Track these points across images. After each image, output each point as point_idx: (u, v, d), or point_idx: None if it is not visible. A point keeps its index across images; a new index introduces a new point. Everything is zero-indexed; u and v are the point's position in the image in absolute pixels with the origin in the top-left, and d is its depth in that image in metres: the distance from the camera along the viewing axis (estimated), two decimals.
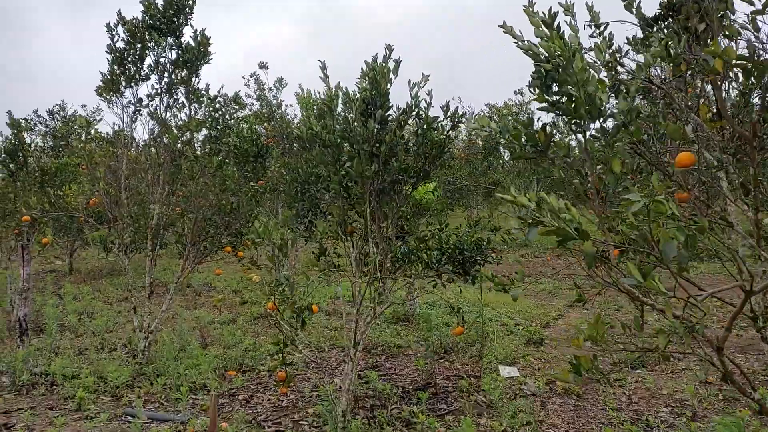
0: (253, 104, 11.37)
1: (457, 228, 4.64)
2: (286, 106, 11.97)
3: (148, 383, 5.60)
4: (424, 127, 4.44)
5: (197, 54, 6.32)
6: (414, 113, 4.52)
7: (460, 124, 4.32)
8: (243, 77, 11.70)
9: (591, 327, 2.46)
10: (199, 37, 6.35)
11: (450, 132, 4.36)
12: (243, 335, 7.41)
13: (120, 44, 6.41)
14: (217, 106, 6.41)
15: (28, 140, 8.63)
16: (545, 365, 6.04)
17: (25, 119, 8.71)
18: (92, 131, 6.43)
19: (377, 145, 4.23)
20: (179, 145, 6.48)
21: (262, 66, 11.07)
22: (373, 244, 4.28)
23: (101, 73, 6.48)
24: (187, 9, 6.52)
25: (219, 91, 6.59)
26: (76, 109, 18.03)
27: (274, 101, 10.94)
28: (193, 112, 6.52)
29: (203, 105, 6.48)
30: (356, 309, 4.29)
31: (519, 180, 15.54)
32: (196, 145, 6.52)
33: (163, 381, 5.54)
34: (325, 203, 4.94)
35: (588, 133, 2.61)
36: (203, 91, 6.55)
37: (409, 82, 4.55)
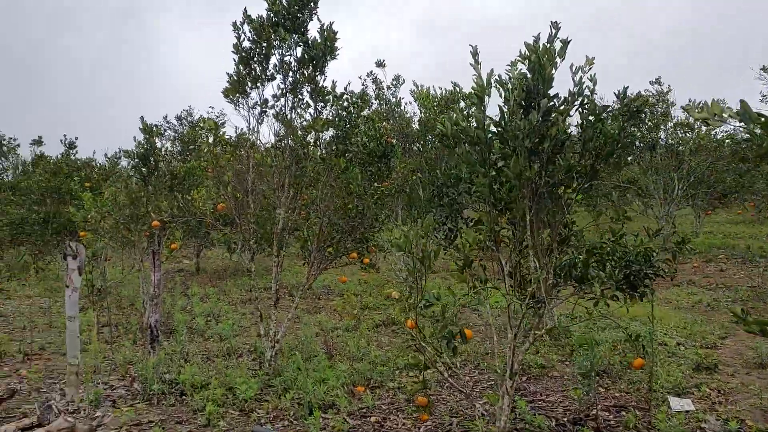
0: (371, 103, 11.07)
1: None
2: (406, 103, 11.71)
3: (276, 397, 5.33)
4: (590, 118, 3.76)
5: (324, 49, 5.98)
6: (577, 102, 3.84)
7: (640, 114, 3.58)
8: (359, 77, 11.48)
9: None
10: (325, 32, 6.01)
11: (626, 124, 3.63)
12: (368, 345, 7.03)
13: (246, 43, 6.23)
14: (345, 104, 6.03)
15: (158, 145, 8.83)
16: (726, 397, 5.08)
17: (156, 125, 8.85)
18: (219, 134, 6.29)
19: (538, 140, 3.60)
20: (304, 147, 6.19)
21: (380, 64, 10.74)
22: (534, 257, 3.64)
23: (228, 74, 6.34)
24: (311, 3, 6.21)
25: (346, 89, 6.22)
26: (202, 114, 18.80)
27: (393, 99, 10.58)
28: (318, 112, 6.21)
29: (329, 104, 6.14)
30: (513, 334, 3.67)
31: (657, 177, 14.10)
32: (321, 145, 6.18)
33: (291, 395, 5.24)
34: (469, 209, 4.37)
35: None
36: (329, 90, 6.21)
37: (571, 66, 3.88)
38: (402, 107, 10.56)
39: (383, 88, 10.68)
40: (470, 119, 4.00)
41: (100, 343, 7.39)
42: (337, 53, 6.13)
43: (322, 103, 6.15)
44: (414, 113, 10.66)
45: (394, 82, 10.53)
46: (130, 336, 8.03)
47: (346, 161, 5.67)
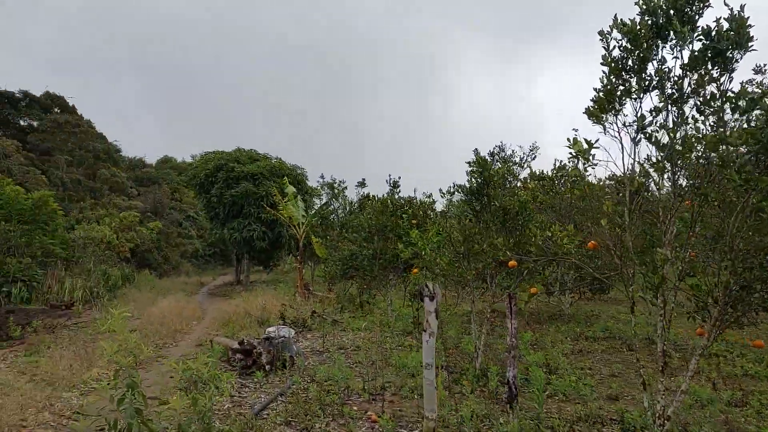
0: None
1: None
2: None
3: None
4: None
5: (734, 40, 4.63)
6: None
7: None
8: (740, 83, 9.31)
9: None
10: (734, 20, 4.66)
11: None
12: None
13: (616, 52, 5.28)
14: None
15: (495, 178, 8.32)
16: None
17: (486, 158, 8.36)
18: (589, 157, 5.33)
19: None
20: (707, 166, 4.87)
21: (758, 71, 8.55)
22: None
23: (594, 90, 5.43)
24: None
25: None
26: (514, 150, 18.58)
27: None
28: (722, 121, 4.83)
29: (739, 111, 4.71)
30: None
31: None
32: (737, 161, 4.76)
33: None
34: None
35: None
36: (735, 93, 4.78)
37: None
38: None
39: None
40: None
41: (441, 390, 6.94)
42: (751, 45, 4.71)
43: (731, 111, 4.76)
44: None
45: None
46: (466, 383, 7.47)
47: None
